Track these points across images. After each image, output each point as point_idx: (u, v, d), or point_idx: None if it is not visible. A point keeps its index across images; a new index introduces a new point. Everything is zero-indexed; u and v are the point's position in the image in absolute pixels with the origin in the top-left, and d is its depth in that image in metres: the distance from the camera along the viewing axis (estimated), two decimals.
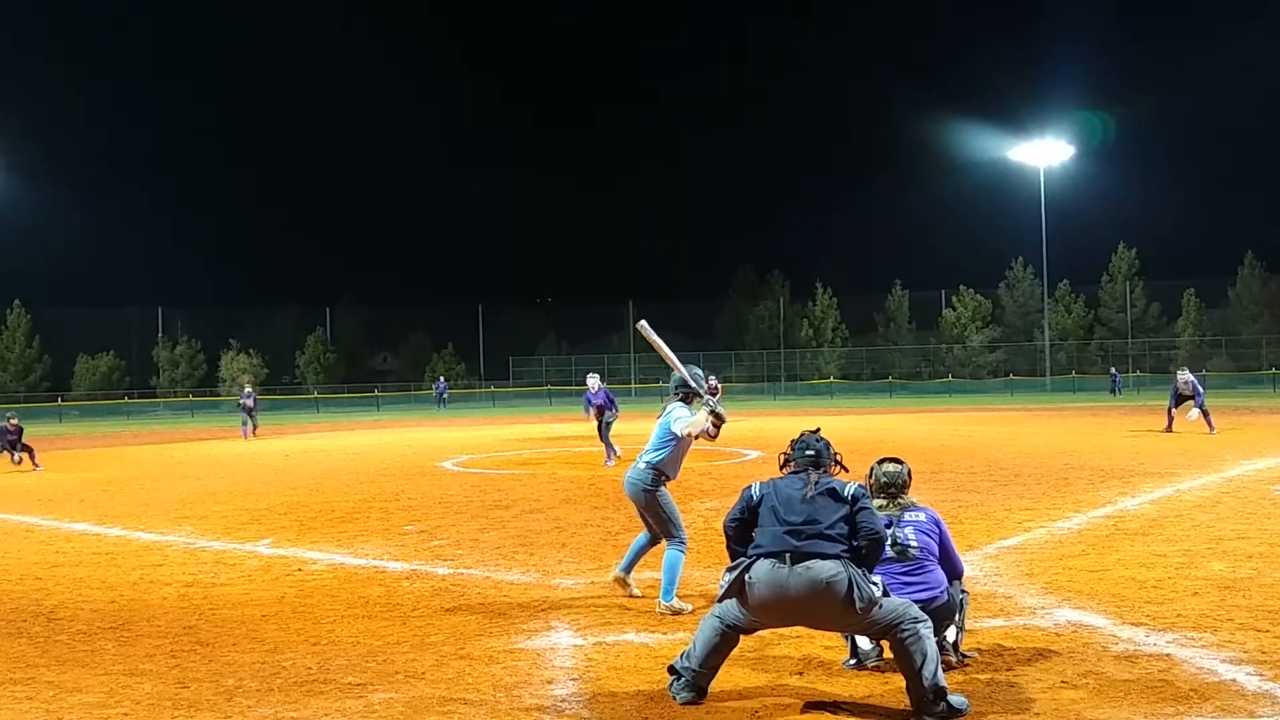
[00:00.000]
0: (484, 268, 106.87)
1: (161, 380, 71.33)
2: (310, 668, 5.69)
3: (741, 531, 5.10)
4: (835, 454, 5.34)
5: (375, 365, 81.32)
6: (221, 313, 72.79)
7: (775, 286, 75.64)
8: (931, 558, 5.44)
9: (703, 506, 11.71)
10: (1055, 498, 11.82)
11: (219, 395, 66.43)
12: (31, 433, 22.26)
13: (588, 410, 19.05)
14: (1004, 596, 6.95)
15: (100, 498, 14.71)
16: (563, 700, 5.00)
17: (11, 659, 6.04)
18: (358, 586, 7.93)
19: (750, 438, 22.80)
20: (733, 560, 5.03)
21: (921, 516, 5.54)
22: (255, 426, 31.30)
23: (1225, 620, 6.13)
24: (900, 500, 5.61)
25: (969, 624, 6.21)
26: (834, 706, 4.81)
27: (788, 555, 4.77)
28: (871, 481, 5.66)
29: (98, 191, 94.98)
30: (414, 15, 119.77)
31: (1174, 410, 22.04)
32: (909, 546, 5.36)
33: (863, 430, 26.43)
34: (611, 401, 18.77)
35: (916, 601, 5.01)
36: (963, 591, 5.63)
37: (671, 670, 5.02)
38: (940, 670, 4.64)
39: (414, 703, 5.01)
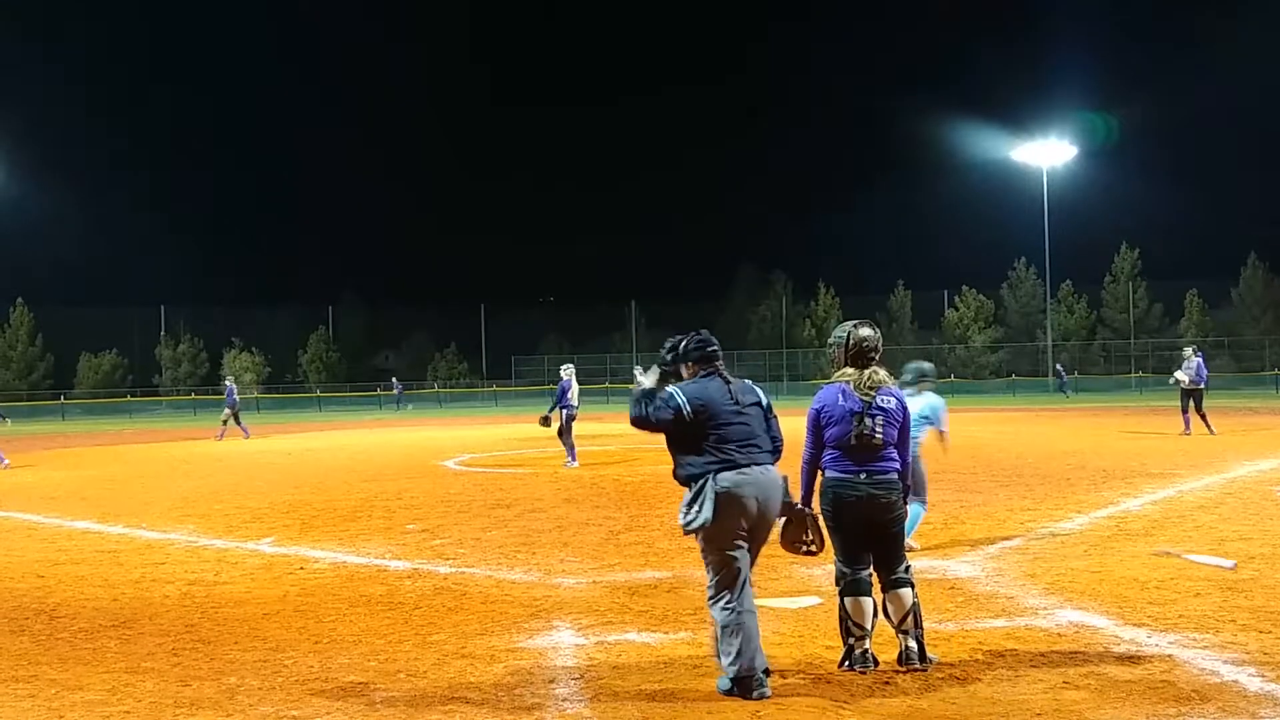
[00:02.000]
0: (487, 267, 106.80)
1: (164, 379, 71.39)
2: (312, 666, 5.69)
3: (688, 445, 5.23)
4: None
5: (377, 364, 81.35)
6: (224, 311, 72.90)
7: (777, 286, 75.66)
8: (891, 445, 5.40)
9: None
10: (1057, 498, 11.81)
11: (222, 394, 66.54)
12: (34, 430, 22.31)
13: (559, 410, 17.91)
14: (1006, 597, 6.95)
15: (103, 496, 14.72)
16: (564, 699, 5.00)
17: (14, 657, 6.05)
18: (360, 585, 7.94)
19: None
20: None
21: (892, 403, 5.40)
22: (236, 426, 29.61)
23: (1228, 621, 6.13)
24: (874, 378, 5.41)
25: (970, 624, 6.22)
26: (835, 707, 4.80)
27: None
28: (843, 349, 5.50)
29: (100, 190, 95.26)
30: (416, 11, 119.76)
31: (1187, 411, 21.09)
32: (873, 438, 5.34)
33: None
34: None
35: (870, 476, 5.31)
36: (915, 591, 5.48)
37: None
38: None
39: (415, 701, 5.01)
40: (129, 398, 62.37)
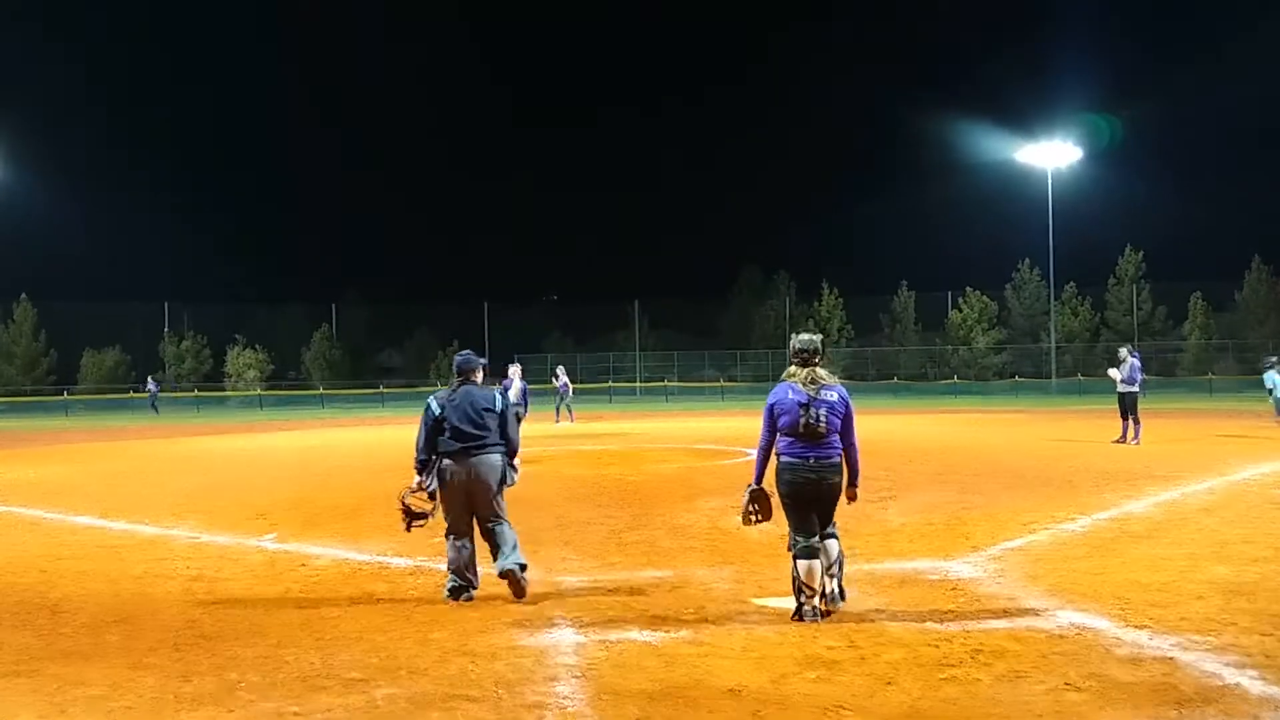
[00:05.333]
0: (489, 265, 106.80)
1: (167, 375, 71.43)
2: (313, 662, 5.70)
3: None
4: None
5: (381, 362, 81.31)
6: (228, 308, 72.87)
7: (781, 286, 75.63)
8: (835, 433, 6.46)
9: (706, 505, 11.70)
10: (1060, 500, 11.80)
11: (225, 390, 66.52)
12: (38, 426, 22.31)
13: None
14: (1007, 598, 6.94)
15: (105, 491, 14.73)
16: (565, 697, 5.00)
17: (16, 651, 6.06)
18: (362, 582, 7.94)
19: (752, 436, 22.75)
20: None
21: (834, 396, 6.45)
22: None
23: (1229, 624, 6.12)
24: (815, 375, 6.46)
25: (972, 625, 6.22)
26: (836, 708, 4.81)
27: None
28: (790, 351, 6.66)
29: (105, 186, 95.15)
30: (419, 14, 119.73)
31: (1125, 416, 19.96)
32: (819, 426, 6.35)
33: (868, 430, 26.39)
34: (524, 398, 18.56)
35: (818, 460, 6.39)
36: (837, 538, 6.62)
37: None
38: None
39: (417, 698, 5.02)
40: (132, 393, 62.34)
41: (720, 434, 25.02)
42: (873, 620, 6.41)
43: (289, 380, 72.13)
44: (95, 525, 11.35)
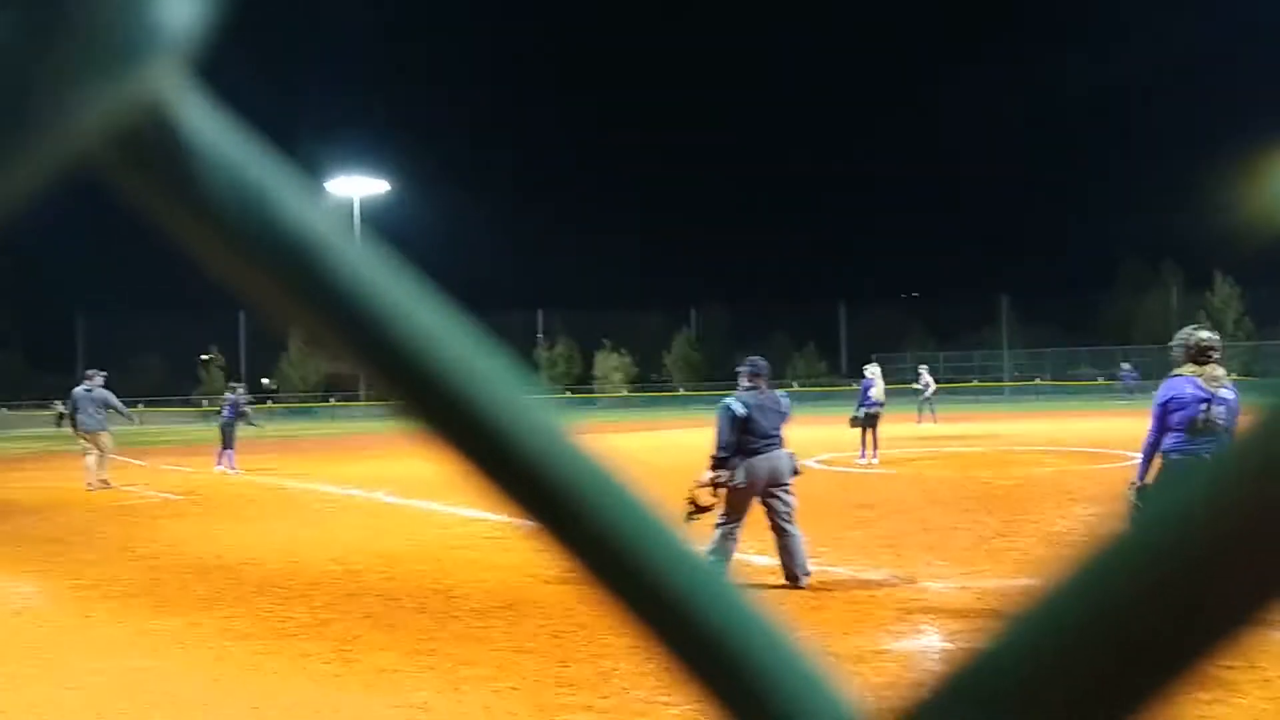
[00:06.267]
0: (847, 264, 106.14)
1: (541, 378, 76.11)
2: None
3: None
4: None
5: (736, 364, 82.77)
6: (595, 314, 76.68)
7: (1167, 277, 70.15)
8: (1229, 431, 6.05)
9: (1084, 513, 11.02)
10: None
11: (594, 393, 69.97)
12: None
13: (860, 408, 18.43)
14: None
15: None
16: None
17: (416, 631, 6.62)
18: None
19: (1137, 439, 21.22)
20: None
21: (1231, 396, 6.22)
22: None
23: None
24: (1215, 373, 6.23)
25: None
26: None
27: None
28: (1186, 349, 6.33)
29: (483, 201, 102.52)
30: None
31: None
32: (1216, 425, 6.12)
33: None
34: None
35: (1203, 451, 6.12)
36: None
37: None
38: None
39: None
40: None
41: (1100, 436, 23.41)
42: (1277, 641, 5.78)
43: (652, 382, 74.85)
44: (481, 518, 12.21)
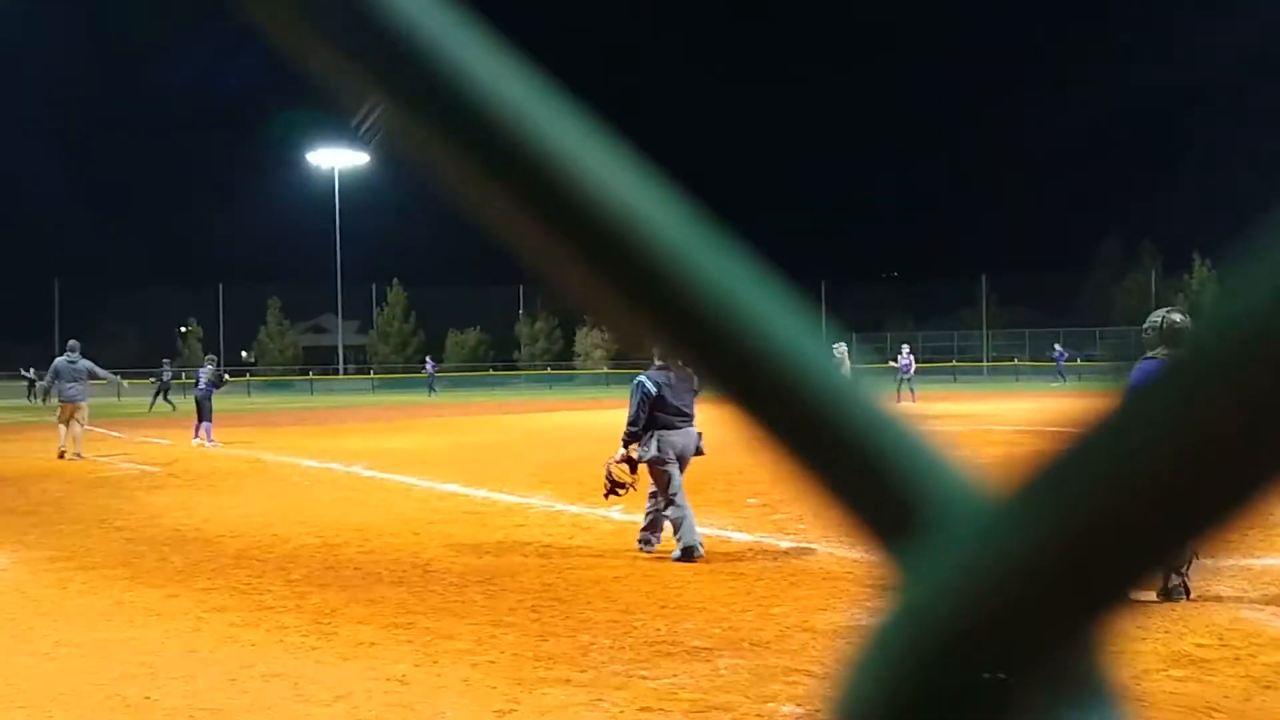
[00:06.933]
0: (825, 243, 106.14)
1: (522, 354, 75.97)
2: (659, 629, 5.86)
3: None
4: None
5: None
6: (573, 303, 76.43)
7: (1145, 259, 70.51)
8: None
9: None
10: None
11: (575, 369, 69.93)
12: (408, 401, 24.38)
13: None
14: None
15: (469, 462, 15.84)
16: None
17: (394, 605, 6.62)
18: (710, 554, 8.09)
19: None
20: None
21: None
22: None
23: None
24: None
25: None
26: (1207, 709, 4.42)
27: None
28: (1158, 331, 6.25)
29: None
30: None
31: None
32: None
33: None
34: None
35: None
36: None
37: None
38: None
39: (759, 670, 5.05)
40: (490, 371, 66.85)
41: (1077, 415, 23.51)
42: (1248, 619, 5.85)
43: (634, 360, 74.80)
44: (460, 493, 12.22)
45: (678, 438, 8.08)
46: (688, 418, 8.16)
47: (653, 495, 8.18)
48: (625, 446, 8.12)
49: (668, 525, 8.13)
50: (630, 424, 8.04)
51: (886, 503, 0.37)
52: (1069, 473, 0.33)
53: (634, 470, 8.15)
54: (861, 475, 0.38)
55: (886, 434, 0.38)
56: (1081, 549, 0.32)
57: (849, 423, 0.38)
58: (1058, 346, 51.37)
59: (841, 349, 18.50)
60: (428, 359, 58.25)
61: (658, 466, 8.03)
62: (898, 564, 0.37)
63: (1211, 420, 0.30)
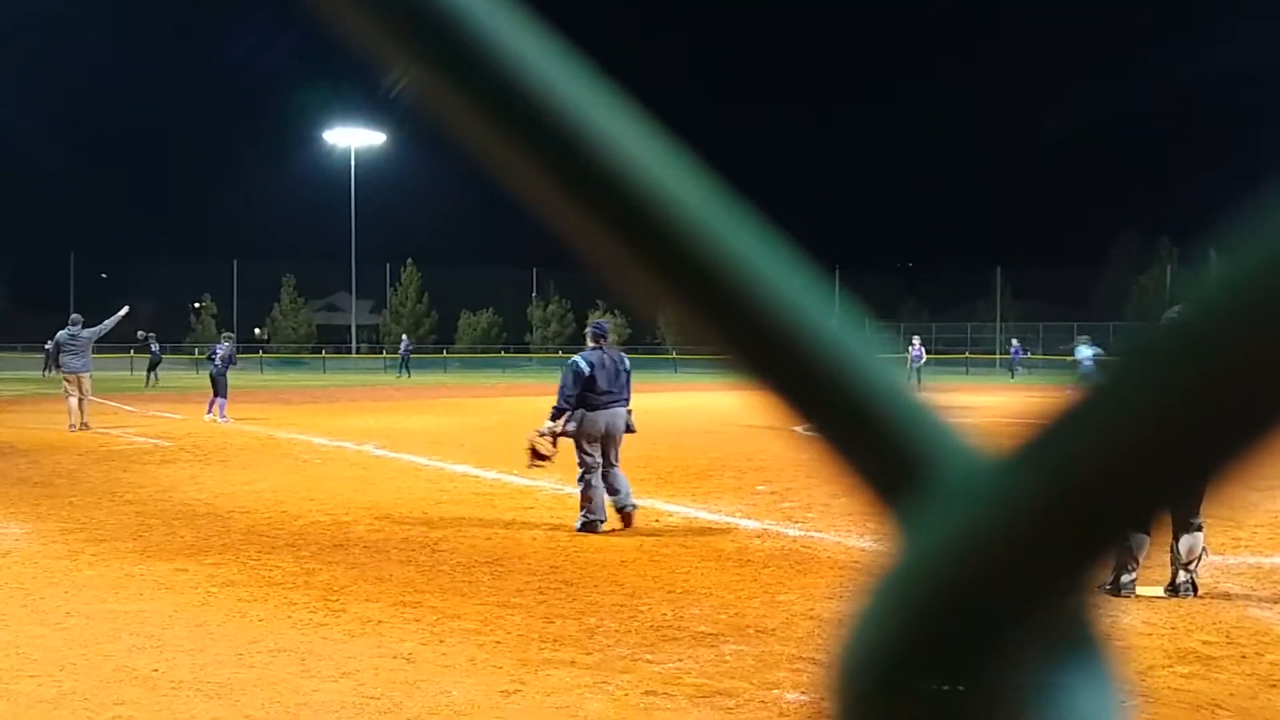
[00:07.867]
0: (839, 232, 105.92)
1: (534, 337, 76.07)
2: (665, 614, 5.88)
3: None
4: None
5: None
6: (590, 275, 76.53)
7: (1162, 253, 70.21)
8: None
9: None
10: None
11: None
12: (421, 381, 24.48)
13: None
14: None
15: (479, 443, 15.87)
16: None
17: (403, 584, 6.65)
18: (711, 540, 8.11)
19: None
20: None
21: None
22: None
23: None
24: None
25: None
26: (1212, 706, 4.42)
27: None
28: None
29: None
30: None
31: None
32: None
33: None
34: None
35: None
36: None
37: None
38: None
39: (764, 657, 5.06)
40: (502, 353, 66.95)
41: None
42: (1256, 618, 5.84)
43: (645, 345, 74.87)
44: (470, 474, 12.25)
45: (603, 416, 8.50)
46: (617, 398, 8.60)
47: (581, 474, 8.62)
48: (552, 420, 8.51)
49: (607, 497, 8.56)
50: (562, 399, 8.44)
51: (890, 462, 0.39)
52: (1064, 432, 0.35)
53: (555, 444, 8.56)
54: (867, 435, 0.39)
55: (892, 397, 0.40)
56: (1074, 505, 0.34)
57: (856, 384, 0.39)
58: (1015, 342, 50.35)
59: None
60: (404, 336, 54.88)
61: (581, 441, 8.49)
62: (900, 521, 0.39)
63: (1201, 377, 0.31)
